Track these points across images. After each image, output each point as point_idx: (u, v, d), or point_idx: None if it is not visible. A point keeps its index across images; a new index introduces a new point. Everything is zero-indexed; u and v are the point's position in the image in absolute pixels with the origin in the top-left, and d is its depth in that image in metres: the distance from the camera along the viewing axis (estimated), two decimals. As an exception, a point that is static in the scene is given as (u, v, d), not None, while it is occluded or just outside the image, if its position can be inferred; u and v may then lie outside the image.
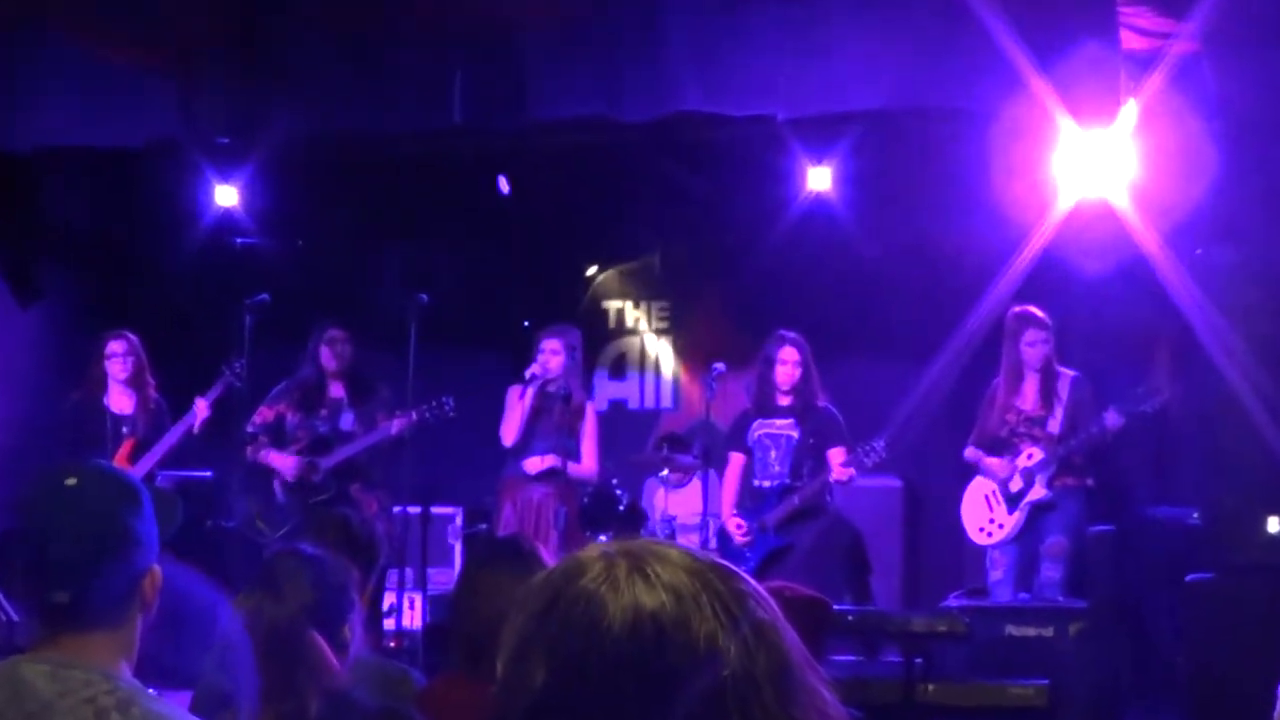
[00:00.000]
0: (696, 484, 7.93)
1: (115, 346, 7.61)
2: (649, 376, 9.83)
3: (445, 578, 8.19)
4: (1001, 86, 6.21)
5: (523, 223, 9.25)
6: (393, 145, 8.25)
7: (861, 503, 7.96)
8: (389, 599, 7.21)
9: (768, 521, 7.14)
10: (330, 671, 2.78)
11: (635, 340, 9.89)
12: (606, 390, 9.67)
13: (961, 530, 7.23)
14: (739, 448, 7.34)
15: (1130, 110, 6.32)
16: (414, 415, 7.14)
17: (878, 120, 7.27)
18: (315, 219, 9.21)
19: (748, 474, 7.31)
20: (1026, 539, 6.96)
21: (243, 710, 2.61)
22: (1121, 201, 6.65)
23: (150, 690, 2.07)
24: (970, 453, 7.19)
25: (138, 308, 8.62)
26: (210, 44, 7.10)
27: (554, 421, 7.28)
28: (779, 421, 7.25)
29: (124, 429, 7.55)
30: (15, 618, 6.17)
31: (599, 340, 9.64)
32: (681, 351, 9.74)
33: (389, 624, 7.23)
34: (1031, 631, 6.32)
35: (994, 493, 7.05)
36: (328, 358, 7.41)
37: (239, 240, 9.15)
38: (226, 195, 8.58)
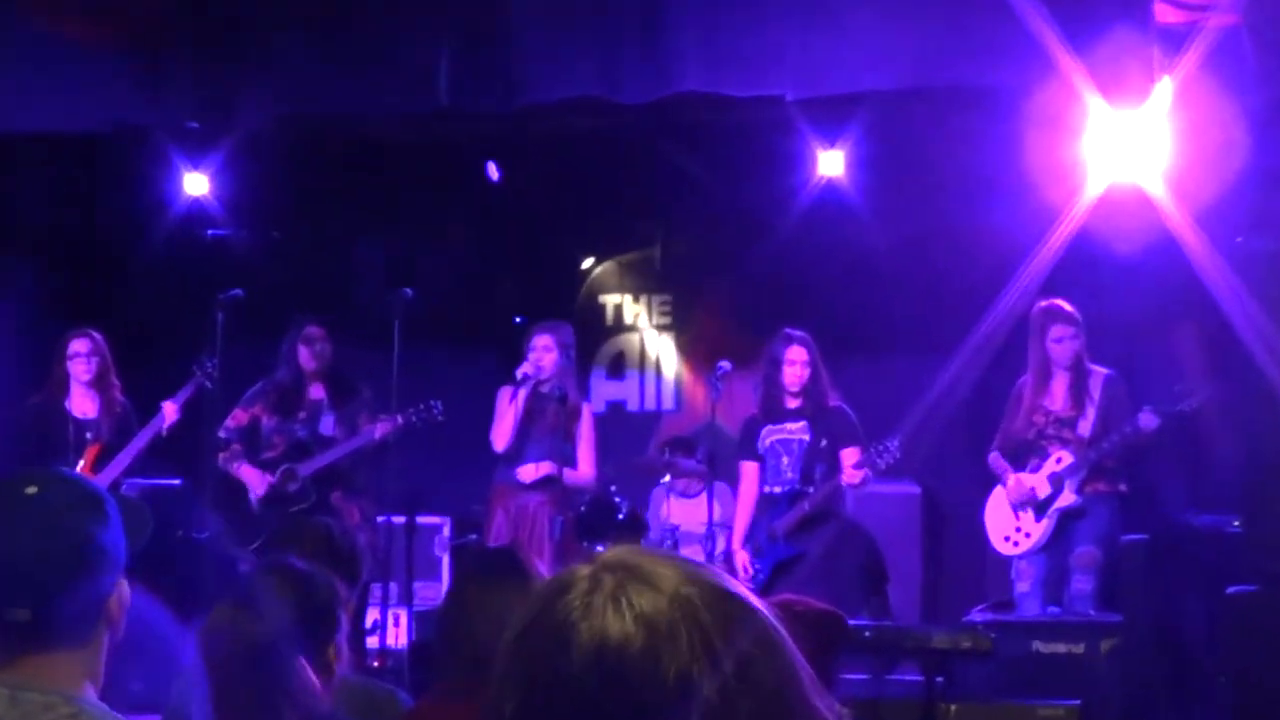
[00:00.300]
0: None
1: (78, 346, 7.59)
2: (649, 376, 9.82)
3: (432, 592, 8.18)
4: (1026, 64, 6.20)
5: (514, 212, 9.24)
6: (375, 129, 8.25)
7: (878, 510, 7.95)
8: (372, 615, 7.20)
9: (777, 529, 7.13)
10: (312, 695, 2.77)
11: (634, 337, 9.88)
12: (604, 391, 9.66)
13: (985, 539, 7.22)
14: (751, 456, 7.33)
15: (1164, 89, 6.31)
16: (399, 419, 7.13)
17: (894, 101, 7.26)
18: (292, 209, 9.20)
19: (759, 483, 7.30)
20: (1055, 548, 6.96)
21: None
22: (1155, 187, 6.63)
23: (116, 715, 2.05)
24: (994, 459, 7.18)
25: (102, 304, 8.61)
26: (179, 21, 7.09)
27: (548, 424, 7.26)
28: (790, 425, 7.25)
29: (87, 434, 7.54)
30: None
31: (595, 338, 9.64)
32: (684, 349, 9.73)
33: (372, 642, 7.22)
34: (1061, 648, 6.31)
35: (1019, 501, 7.04)
36: (306, 357, 7.40)
37: (210, 232, 9.13)
38: (196, 183, 8.56)
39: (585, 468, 7.43)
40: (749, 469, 7.34)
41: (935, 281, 8.49)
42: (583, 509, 7.38)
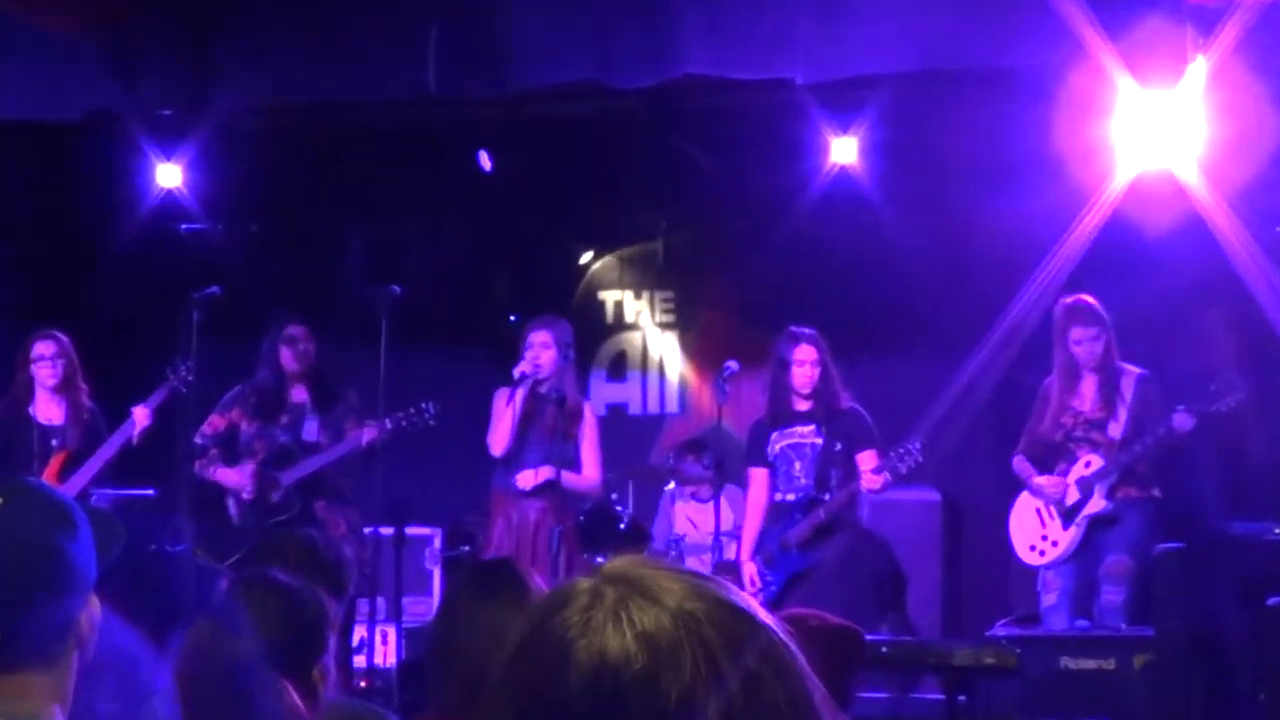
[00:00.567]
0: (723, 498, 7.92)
1: (43, 348, 7.58)
2: (652, 377, 9.82)
3: (423, 608, 8.18)
4: (1051, 43, 6.20)
5: (507, 204, 9.24)
6: (358, 117, 8.24)
7: (895, 518, 7.95)
8: (359, 632, 7.19)
9: (790, 539, 7.12)
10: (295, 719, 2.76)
11: (636, 336, 9.88)
12: (604, 393, 9.66)
13: (1010, 548, 7.21)
14: (760, 463, 7.33)
15: (1198, 69, 6.30)
16: (387, 423, 7.12)
17: (911, 84, 7.25)
18: (271, 201, 9.20)
19: (770, 490, 7.30)
20: (1084, 558, 6.95)
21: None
22: (1188, 173, 6.63)
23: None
24: (1019, 463, 7.17)
25: (69, 303, 8.61)
26: (151, 3, 7.09)
27: (547, 427, 7.24)
28: (800, 429, 7.24)
29: (53, 441, 7.53)
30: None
31: (595, 336, 9.64)
32: (688, 349, 9.74)
33: (359, 661, 7.21)
34: (1091, 664, 6.31)
35: (1046, 505, 7.03)
36: (288, 358, 7.39)
37: (184, 226, 9.14)
38: (169, 175, 8.56)
39: (590, 471, 7.38)
40: (758, 476, 7.33)
41: (955, 275, 8.49)
42: (582, 518, 7.37)
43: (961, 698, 6.01)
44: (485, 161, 8.86)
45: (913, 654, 6.36)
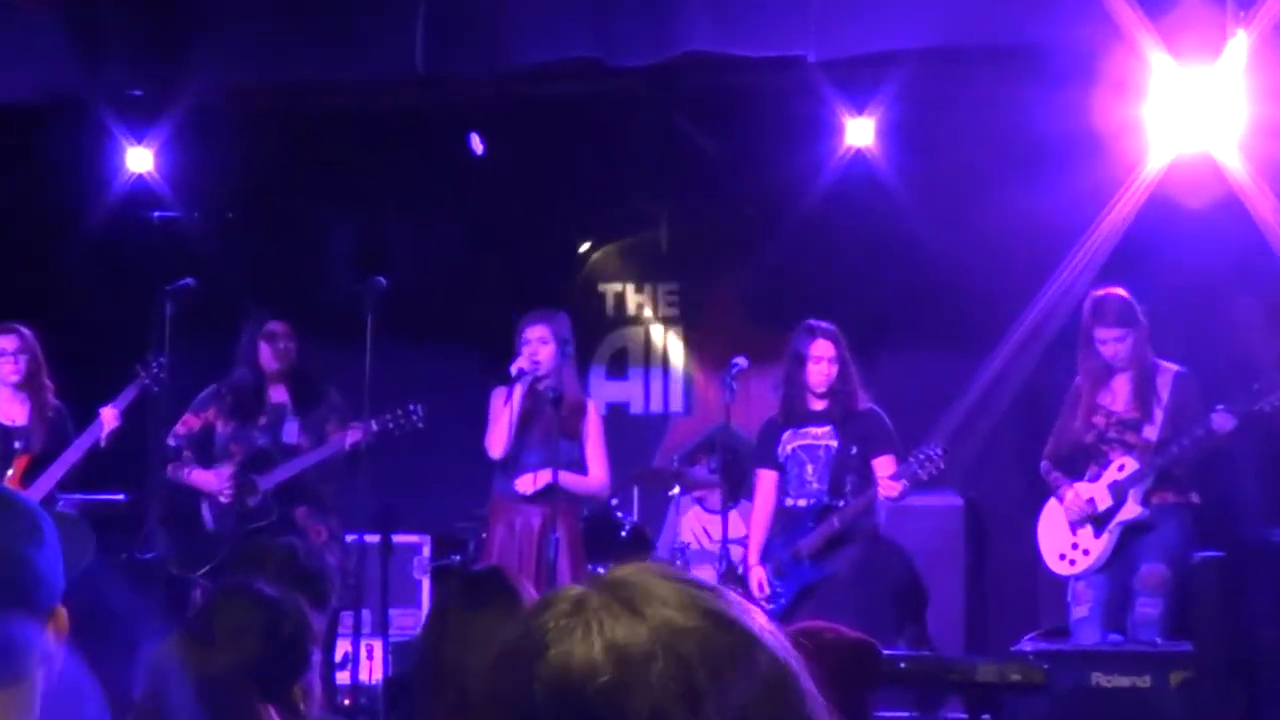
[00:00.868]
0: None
1: (4, 343, 7.58)
2: (655, 375, 9.82)
3: (411, 621, 8.18)
4: (1081, 17, 6.20)
5: (500, 190, 9.24)
6: (342, 98, 8.24)
7: (915, 525, 7.95)
8: (343, 647, 7.19)
9: (802, 549, 7.12)
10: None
11: (638, 331, 9.88)
12: (604, 391, 9.66)
13: (1037, 557, 7.21)
14: (769, 464, 7.32)
15: (1238, 45, 6.30)
16: (372, 425, 7.12)
17: (930, 61, 7.25)
18: (249, 187, 9.20)
19: (780, 494, 7.29)
20: (1117, 568, 6.94)
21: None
22: (1228, 155, 6.63)
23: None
24: (1046, 467, 7.17)
25: (33, 296, 8.59)
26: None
27: (546, 428, 7.23)
28: (814, 430, 7.24)
29: (16, 443, 7.53)
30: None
31: (594, 331, 9.64)
32: (694, 344, 9.74)
33: (343, 678, 7.21)
34: (1124, 681, 6.30)
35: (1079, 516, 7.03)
36: (267, 356, 7.39)
37: (156, 214, 9.14)
38: (140, 159, 8.56)
39: (597, 471, 7.35)
40: (766, 478, 7.32)
41: (978, 266, 8.48)
42: (581, 524, 7.37)
43: (986, 717, 6.01)
44: (477, 145, 8.86)
45: (933, 670, 6.36)
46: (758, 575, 7.22)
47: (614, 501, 7.66)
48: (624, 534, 7.45)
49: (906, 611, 7.65)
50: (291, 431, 7.38)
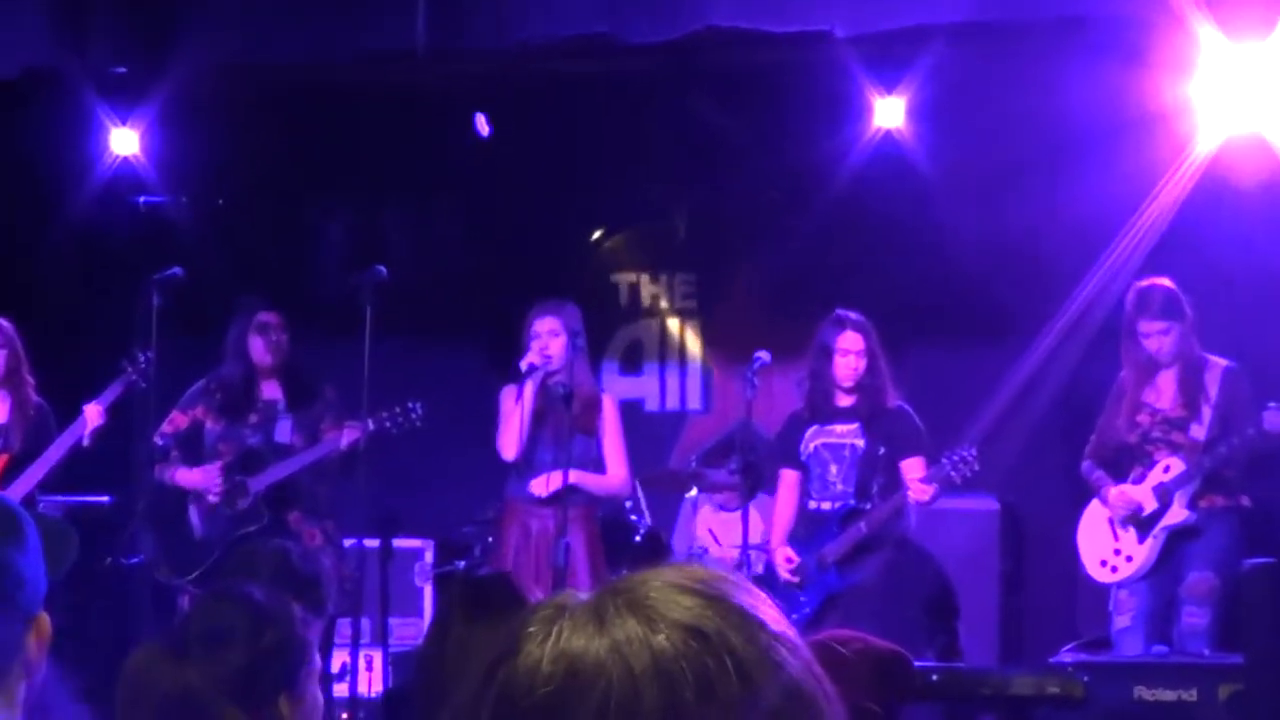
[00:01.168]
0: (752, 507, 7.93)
1: (-16, 337, 7.62)
2: (671, 370, 9.83)
3: (412, 630, 8.19)
4: (1125, -10, 6.20)
5: (507, 174, 9.25)
6: (338, 76, 8.25)
7: (947, 529, 7.95)
8: (341, 658, 7.21)
9: (827, 555, 7.12)
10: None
11: (653, 324, 9.89)
12: (617, 388, 9.64)
13: (1077, 564, 7.21)
14: (791, 463, 7.33)
15: (1293, 19, 6.30)
16: (369, 424, 7.13)
17: (965, 36, 7.24)
18: (239, 171, 9.21)
19: (802, 495, 7.30)
20: (1162, 575, 6.95)
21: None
22: (1281, 138, 6.63)
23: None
24: (1088, 467, 7.17)
25: (13, 287, 8.62)
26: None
27: (561, 425, 7.22)
28: (840, 428, 7.24)
29: (-5, 442, 7.57)
30: None
31: (607, 324, 9.64)
32: (713, 337, 9.74)
33: (341, 690, 7.23)
34: (1170, 695, 6.30)
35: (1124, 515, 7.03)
36: (258, 350, 7.41)
37: (142, 199, 9.16)
38: (125, 141, 8.58)
39: (616, 469, 7.33)
40: (789, 478, 7.33)
41: (1016, 254, 8.47)
42: (599, 528, 7.37)
43: (1022, 733, 6.01)
44: (483, 126, 8.87)
45: (966, 683, 6.35)
46: (784, 553, 7.20)
47: (628, 504, 7.66)
48: (638, 538, 7.45)
49: (938, 621, 7.65)
50: (284, 430, 7.40)
